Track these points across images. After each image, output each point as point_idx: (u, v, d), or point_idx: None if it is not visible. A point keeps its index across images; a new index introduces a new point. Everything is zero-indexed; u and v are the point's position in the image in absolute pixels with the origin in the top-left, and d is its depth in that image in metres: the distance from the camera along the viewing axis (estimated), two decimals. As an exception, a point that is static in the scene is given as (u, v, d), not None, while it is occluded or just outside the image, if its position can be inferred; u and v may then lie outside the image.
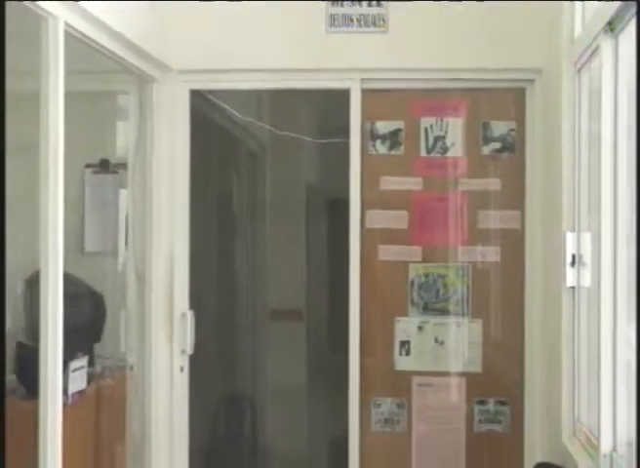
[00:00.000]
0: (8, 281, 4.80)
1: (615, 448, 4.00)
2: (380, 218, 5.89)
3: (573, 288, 4.77)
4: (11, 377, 4.78)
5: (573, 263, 4.71)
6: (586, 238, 4.51)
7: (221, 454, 7.91)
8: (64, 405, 4.47)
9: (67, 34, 4.35)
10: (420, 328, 5.86)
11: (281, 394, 8.59)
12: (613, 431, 4.03)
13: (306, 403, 8.50)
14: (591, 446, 4.26)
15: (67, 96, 4.37)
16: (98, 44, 4.79)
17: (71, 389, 4.67)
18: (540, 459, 5.09)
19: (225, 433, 8.24)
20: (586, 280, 4.53)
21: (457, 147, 5.88)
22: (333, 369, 6.04)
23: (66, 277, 4.55)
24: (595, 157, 4.29)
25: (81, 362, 4.83)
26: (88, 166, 5.83)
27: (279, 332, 8.79)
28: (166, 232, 5.92)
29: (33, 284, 4.41)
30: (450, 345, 5.87)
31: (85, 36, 4.62)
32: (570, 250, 4.72)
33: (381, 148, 5.91)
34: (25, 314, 4.63)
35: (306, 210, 9.06)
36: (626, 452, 3.93)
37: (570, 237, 4.76)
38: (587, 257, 4.49)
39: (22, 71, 4.40)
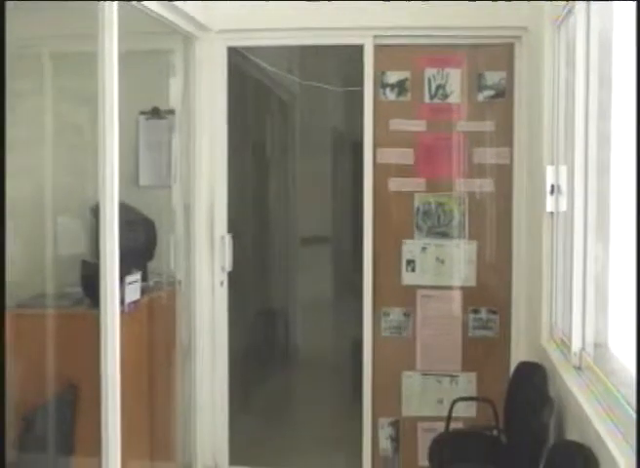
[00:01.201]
0: (77, 211, 4.92)
1: (584, 348, 4.07)
2: (390, 155, 5.90)
3: (552, 213, 4.82)
4: (77, 290, 4.87)
5: (552, 192, 4.75)
6: (563, 170, 4.53)
7: (257, 357, 8.00)
8: (121, 312, 4.51)
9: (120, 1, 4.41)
10: (423, 248, 5.89)
11: (309, 307, 8.65)
12: (582, 334, 4.10)
13: (330, 314, 8.55)
14: (564, 346, 4.33)
15: (125, 55, 4.43)
16: (147, 8, 4.84)
17: (127, 299, 4.68)
18: (523, 358, 5.13)
19: (261, 339, 8.33)
20: (563, 206, 4.56)
21: (455, 94, 5.87)
22: (353, 285, 6.08)
23: (124, 206, 4.61)
24: (571, 101, 4.33)
25: (135, 277, 4.85)
26: (142, 113, 5.86)
27: (308, 256, 8.84)
28: (207, 169, 5.99)
29: (97, 212, 4.47)
30: (449, 263, 5.90)
31: (137, 2, 4.68)
32: (549, 180, 4.76)
33: (391, 95, 5.91)
34: (91, 237, 4.68)
35: (331, 150, 9.08)
36: (593, 351, 4.02)
37: (549, 170, 4.80)
38: (564, 187, 4.52)
39: (83, 35, 4.47)
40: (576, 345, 4.11)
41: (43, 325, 4.81)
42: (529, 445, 3.87)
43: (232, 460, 6.11)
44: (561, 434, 3.99)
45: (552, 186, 4.74)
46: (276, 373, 8.37)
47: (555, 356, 4.38)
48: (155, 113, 5.89)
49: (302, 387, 8.31)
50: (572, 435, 3.74)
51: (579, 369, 4.00)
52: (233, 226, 6.14)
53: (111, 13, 4.32)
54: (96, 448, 4.42)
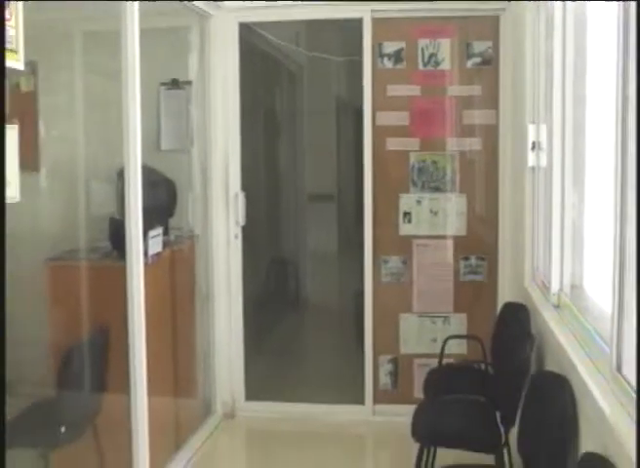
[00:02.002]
0: (106, 175, 4.94)
1: (561, 289, 4.11)
2: (387, 118, 5.91)
3: (533, 167, 4.83)
4: (106, 244, 4.91)
5: (533, 148, 4.77)
6: (543, 129, 4.53)
7: (269, 303, 8.05)
8: (145, 264, 4.55)
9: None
10: (418, 201, 5.92)
11: (316, 257, 8.70)
12: (560, 276, 4.13)
13: (336, 263, 8.60)
14: (545, 288, 4.35)
15: (147, 32, 4.45)
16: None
17: (150, 252, 4.72)
18: (508, 300, 5.16)
19: (272, 287, 8.38)
20: (543, 161, 4.57)
21: (446, 62, 5.87)
22: (356, 237, 6.10)
23: (147, 169, 4.63)
24: (550, 68, 4.34)
25: (157, 231, 4.87)
26: (162, 84, 5.88)
27: (315, 212, 8.87)
28: (222, 134, 6.03)
29: (122, 175, 4.50)
30: (442, 215, 5.92)
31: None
32: (531, 138, 4.76)
33: (388, 64, 5.91)
34: (118, 198, 4.71)
35: (335, 114, 9.09)
36: (569, 291, 4.06)
37: (531, 128, 4.80)
38: (544, 144, 4.53)
39: (109, 15, 4.48)
40: (554, 287, 4.14)
41: (77, 275, 4.86)
42: (513, 376, 3.91)
43: (248, 396, 6.18)
44: (541, 365, 4.04)
45: (533, 143, 4.76)
46: (287, 317, 8.43)
47: (536, 297, 4.41)
48: (174, 84, 5.91)
49: (311, 329, 8.37)
50: (550, 366, 3.79)
51: (557, 307, 4.03)
52: (246, 185, 6.16)
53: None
54: (125, 385, 4.49)
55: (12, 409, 4.32)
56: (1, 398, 2.57)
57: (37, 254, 4.88)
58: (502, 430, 4.01)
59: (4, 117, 2.79)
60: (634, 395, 2.47)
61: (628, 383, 2.57)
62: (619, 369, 2.69)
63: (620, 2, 2.66)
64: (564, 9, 4.09)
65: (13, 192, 3.16)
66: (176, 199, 5.50)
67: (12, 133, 3.13)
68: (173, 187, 5.47)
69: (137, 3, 4.34)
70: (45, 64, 5.40)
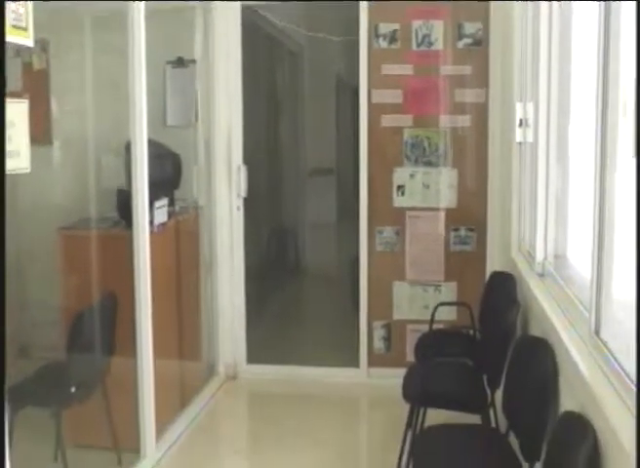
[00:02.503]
0: (115, 149, 4.94)
1: (546, 258, 4.13)
2: (382, 95, 5.89)
3: (520, 143, 4.84)
4: (115, 214, 4.91)
5: (520, 125, 4.77)
6: (530, 106, 4.53)
7: (270, 271, 8.07)
8: (151, 233, 4.58)
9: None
10: (411, 175, 5.91)
11: (315, 228, 8.71)
12: (544, 246, 4.17)
13: (334, 234, 8.62)
14: (530, 257, 4.37)
15: (154, 13, 4.45)
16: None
17: (156, 221, 4.73)
18: (496, 269, 5.18)
19: (273, 256, 8.40)
20: (529, 137, 4.57)
21: (439, 42, 5.84)
22: (353, 209, 6.10)
23: (153, 143, 4.66)
24: (537, 49, 4.34)
25: (163, 202, 4.88)
26: (168, 62, 5.87)
27: (314, 185, 8.87)
28: (225, 110, 6.04)
29: (129, 148, 4.50)
30: (433, 188, 5.91)
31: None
32: (518, 115, 4.76)
33: (383, 44, 5.88)
34: (125, 170, 4.70)
35: (334, 92, 9.08)
36: (553, 261, 4.08)
37: (518, 106, 4.79)
38: (530, 121, 4.54)
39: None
40: (539, 256, 4.17)
41: (87, 243, 4.87)
42: (499, 340, 3.92)
43: (249, 359, 6.22)
44: (525, 330, 4.06)
45: (520, 120, 4.75)
46: (286, 284, 8.45)
47: (522, 266, 4.43)
48: (180, 62, 5.89)
49: (309, 296, 8.40)
50: (534, 331, 3.81)
51: (541, 276, 4.06)
52: (248, 158, 6.17)
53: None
54: (132, 348, 4.52)
55: (26, 371, 4.39)
56: (1, 396, 2.57)
57: (50, 223, 4.90)
58: (488, 391, 4.03)
59: (4, 116, 2.75)
60: (612, 358, 2.49)
61: (605, 345, 2.59)
62: (597, 332, 2.72)
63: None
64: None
65: (24, 163, 3.19)
66: (181, 172, 5.49)
67: (22, 107, 3.15)
68: (178, 160, 5.46)
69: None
70: (56, 44, 5.41)
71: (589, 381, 2.47)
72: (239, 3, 5.98)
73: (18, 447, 3.53)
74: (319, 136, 8.91)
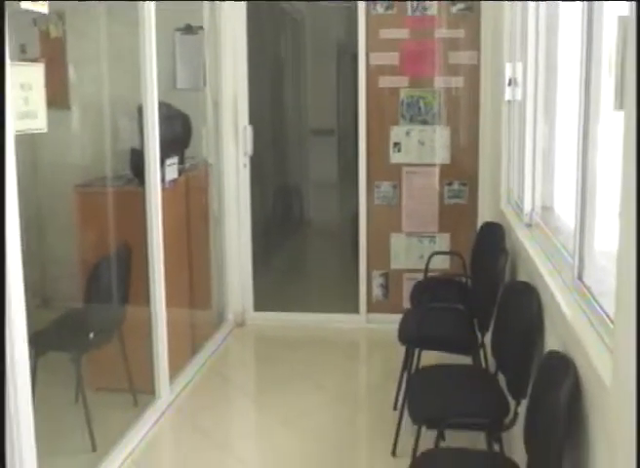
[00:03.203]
0: (129, 112, 4.91)
1: (533, 209, 4.11)
2: (379, 58, 5.84)
3: (509, 101, 4.81)
4: (128, 172, 4.89)
5: (509, 84, 4.74)
6: (519, 66, 4.49)
7: (275, 225, 8.06)
8: (163, 189, 4.57)
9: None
10: (407, 133, 5.87)
11: (318, 185, 8.67)
12: (532, 198, 4.14)
13: (335, 191, 8.57)
14: (518, 209, 4.35)
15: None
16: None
17: (167, 178, 4.71)
18: (486, 220, 5.16)
19: (278, 212, 8.38)
20: (518, 95, 4.54)
21: (433, 8, 5.77)
22: (354, 167, 6.08)
23: (164, 105, 4.65)
24: (525, 12, 4.29)
25: (173, 160, 4.85)
26: (177, 29, 5.83)
27: (317, 144, 8.82)
28: (231, 74, 5.99)
29: (141, 110, 4.48)
30: (428, 145, 5.87)
31: None
32: (507, 75, 4.75)
33: (380, 9, 5.82)
34: (139, 131, 4.67)
35: (335, 56, 8.97)
36: (540, 212, 4.06)
37: (508, 66, 4.77)
38: (519, 80, 4.50)
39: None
40: (527, 207, 4.15)
41: (102, 200, 4.85)
42: (489, 286, 3.92)
43: (256, 307, 6.24)
44: (513, 276, 4.05)
45: (510, 79, 4.73)
46: (291, 238, 8.44)
47: (511, 217, 4.41)
48: (188, 30, 5.85)
49: (312, 248, 8.39)
50: (521, 277, 3.80)
51: (529, 226, 4.03)
52: (254, 119, 6.14)
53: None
54: (146, 297, 4.53)
55: (48, 320, 4.40)
56: (1, 394, 2.56)
57: (68, 182, 4.87)
58: (479, 334, 4.04)
59: (4, 115, 2.73)
60: (593, 300, 2.48)
61: (588, 289, 2.58)
62: (580, 277, 2.71)
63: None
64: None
65: (41, 124, 3.17)
66: (190, 132, 5.46)
67: (38, 70, 3.17)
68: (188, 121, 5.43)
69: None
70: (71, 14, 5.36)
71: (572, 322, 2.47)
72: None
73: (40, 390, 3.55)
74: (321, 98, 8.83)
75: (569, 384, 2.25)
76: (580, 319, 2.47)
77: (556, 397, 2.22)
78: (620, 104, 2.01)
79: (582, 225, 2.74)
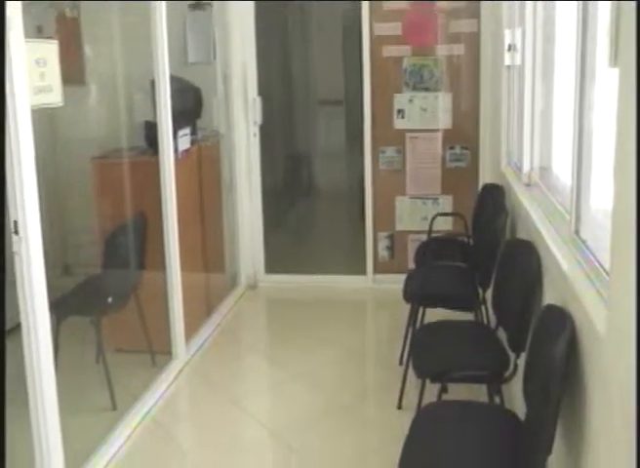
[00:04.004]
0: (144, 87, 4.86)
1: (532, 170, 4.05)
2: (383, 28, 5.76)
3: (509, 66, 4.73)
4: (142, 144, 4.84)
5: (509, 50, 4.66)
6: (518, 32, 4.42)
7: (285, 192, 8.04)
8: (176, 159, 4.54)
9: None
10: (410, 100, 5.80)
11: (326, 153, 8.64)
12: (530, 158, 4.09)
13: (343, 158, 8.52)
14: (518, 169, 4.29)
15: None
16: None
17: (180, 148, 4.67)
18: (487, 181, 5.11)
19: (287, 179, 8.34)
20: (517, 60, 4.47)
21: (433, -20, 5.71)
22: (360, 136, 6.03)
23: (176, 78, 4.61)
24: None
25: (185, 131, 4.81)
26: (188, 6, 5.77)
27: (325, 115, 8.75)
28: (240, 48, 5.94)
29: (154, 84, 4.42)
30: (431, 111, 5.80)
31: None
32: (507, 41, 4.67)
33: (383, -19, 5.76)
34: (152, 104, 4.62)
35: (341, 29, 8.86)
36: (539, 172, 3.99)
37: (507, 32, 4.69)
38: (518, 45, 4.42)
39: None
40: (525, 168, 4.11)
41: (118, 170, 4.82)
42: (489, 244, 3.86)
43: (267, 270, 6.23)
44: (513, 234, 3.99)
45: (509, 45, 4.65)
46: (300, 203, 8.43)
47: (511, 177, 4.35)
48: (198, 5, 5.79)
49: (321, 213, 8.36)
50: (520, 234, 3.73)
51: (527, 185, 3.98)
52: (263, 91, 6.09)
53: None
54: (161, 263, 4.51)
55: (69, 287, 4.40)
56: (1, 391, 2.53)
57: (85, 154, 4.82)
58: (480, 291, 3.98)
59: (4, 115, 2.70)
60: (590, 254, 2.43)
61: (584, 243, 2.53)
62: (577, 232, 2.66)
63: None
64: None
65: (57, 98, 3.20)
66: (202, 103, 5.42)
67: (52, 47, 3.18)
68: (199, 93, 5.38)
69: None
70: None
71: (569, 276, 2.41)
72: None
73: (63, 352, 3.55)
74: (328, 69, 8.74)
75: (566, 336, 2.20)
76: (577, 272, 2.41)
77: (553, 349, 2.17)
78: (614, 61, 1.95)
79: (579, 182, 2.70)
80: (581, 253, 2.51)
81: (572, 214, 2.71)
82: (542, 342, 2.38)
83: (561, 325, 2.27)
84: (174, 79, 4.51)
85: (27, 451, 3.09)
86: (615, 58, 1.94)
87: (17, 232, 2.84)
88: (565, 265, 2.53)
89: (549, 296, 2.80)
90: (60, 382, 3.09)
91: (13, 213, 2.83)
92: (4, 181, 2.76)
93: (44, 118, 5.25)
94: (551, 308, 2.50)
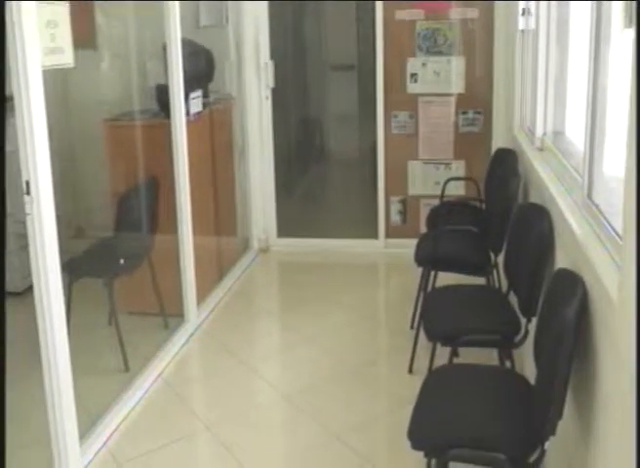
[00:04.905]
0: (152, 50, 4.82)
1: (545, 134, 4.01)
2: (395, -7, 5.71)
3: (523, 30, 4.65)
4: (154, 107, 4.81)
5: (523, 14, 4.58)
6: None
7: (297, 156, 7.99)
8: (188, 121, 4.52)
9: None
10: (423, 64, 5.73)
11: (338, 117, 8.57)
12: (544, 123, 4.05)
13: (355, 123, 8.45)
14: (530, 134, 4.25)
15: None
16: None
17: (192, 111, 4.64)
18: (500, 146, 5.06)
19: (300, 143, 8.28)
20: (531, 24, 4.40)
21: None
22: (373, 102, 5.97)
23: (187, 42, 4.57)
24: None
25: (197, 93, 4.77)
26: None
27: (337, 79, 8.67)
28: (253, 11, 5.88)
29: (165, 48, 4.38)
30: (444, 75, 5.74)
31: None
32: (521, 4, 4.58)
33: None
34: (164, 67, 4.58)
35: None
36: (552, 137, 3.94)
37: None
38: (533, 9, 4.36)
39: None
40: (539, 132, 4.06)
41: (130, 133, 4.79)
42: (501, 208, 3.83)
43: (279, 233, 6.21)
44: (525, 199, 3.95)
45: (523, 9, 4.57)
46: (312, 168, 8.37)
47: (524, 142, 4.30)
48: (210, -33, 5.72)
49: (333, 177, 8.30)
50: (533, 198, 3.69)
51: (540, 150, 3.93)
52: (275, 55, 6.04)
53: None
54: (173, 226, 4.51)
55: (81, 249, 4.39)
56: (1, 389, 2.52)
57: (97, 116, 4.81)
58: (492, 255, 3.96)
59: (4, 114, 2.69)
60: (602, 218, 2.39)
61: (597, 207, 2.50)
62: (589, 196, 2.62)
63: None
64: None
65: (68, 59, 3.19)
66: (213, 66, 5.36)
67: (63, 9, 3.16)
68: (211, 56, 5.33)
69: None
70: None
71: (581, 240, 2.38)
72: None
73: (76, 314, 3.56)
74: (341, 34, 8.65)
75: (577, 300, 2.17)
76: (590, 237, 2.38)
77: (565, 312, 2.14)
78: (629, 21, 1.91)
79: (592, 146, 2.66)
80: (594, 216, 2.47)
81: (584, 178, 2.67)
82: (554, 306, 2.36)
83: (573, 289, 2.24)
84: (185, 42, 4.47)
85: (41, 412, 3.11)
86: (630, 18, 1.90)
87: (28, 192, 2.84)
88: (577, 229, 2.50)
89: (561, 260, 2.78)
90: (72, 344, 3.10)
91: (25, 173, 2.84)
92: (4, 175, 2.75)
93: (57, 81, 5.23)
94: (563, 272, 2.47)
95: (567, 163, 3.25)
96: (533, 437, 2.15)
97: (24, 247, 2.98)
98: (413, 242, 4.48)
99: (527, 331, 2.90)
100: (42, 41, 2.89)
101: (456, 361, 3.01)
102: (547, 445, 2.11)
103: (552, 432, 2.10)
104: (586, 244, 2.32)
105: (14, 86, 2.77)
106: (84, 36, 5.05)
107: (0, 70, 2.64)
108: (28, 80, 2.76)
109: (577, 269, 2.36)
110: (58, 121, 5.23)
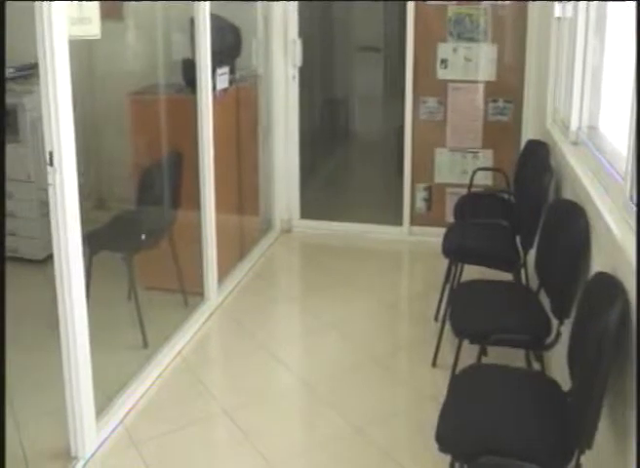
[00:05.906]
0: (180, 24, 4.73)
1: (580, 128, 3.88)
2: (429, -25, 5.58)
3: (559, 18, 4.52)
4: (180, 81, 4.71)
5: (560, 0, 4.45)
6: (571, -18, 4.22)
7: (322, 137, 7.91)
8: (214, 97, 4.46)
9: None
10: (454, 50, 5.60)
11: (365, 100, 8.49)
12: (579, 116, 3.90)
13: (381, 105, 8.38)
14: (564, 127, 4.12)
15: None
16: None
17: (218, 87, 4.58)
18: (530, 137, 4.94)
19: (325, 124, 8.21)
20: (569, 11, 4.26)
21: None
22: (399, 83, 5.87)
23: (215, 17, 4.49)
24: None
25: (224, 70, 4.71)
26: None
27: (364, 61, 8.57)
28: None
29: (193, 22, 4.32)
30: (474, 62, 5.60)
31: None
32: (558, -7, 4.47)
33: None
34: (191, 41, 4.49)
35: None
36: (587, 131, 3.82)
37: (560, -16, 4.49)
38: (571, -3, 4.23)
39: None
40: (574, 125, 3.91)
41: (154, 107, 4.73)
42: (533, 203, 3.72)
43: (302, 215, 6.13)
44: (558, 195, 3.84)
45: (561, -4, 4.44)
46: (337, 150, 8.32)
47: (557, 135, 4.17)
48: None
49: (358, 161, 8.26)
50: (566, 195, 3.58)
51: (575, 144, 3.81)
52: (303, 34, 5.92)
53: None
54: (196, 203, 4.45)
55: (102, 221, 4.34)
56: (1, 387, 2.45)
57: (122, 89, 4.73)
58: (521, 251, 3.85)
59: (4, 114, 2.62)
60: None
61: (640, 211, 2.38)
62: (632, 198, 2.49)
63: None
64: None
65: (95, 30, 3.17)
66: (240, 42, 5.28)
67: None
68: (238, 32, 5.25)
69: None
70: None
71: (622, 244, 2.27)
72: None
73: (96, 287, 3.51)
74: (368, 15, 8.52)
75: (618, 309, 2.07)
76: (631, 241, 2.27)
77: (604, 322, 2.04)
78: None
79: (638, 144, 2.52)
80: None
81: (627, 180, 2.55)
82: (592, 312, 2.26)
83: (612, 295, 2.15)
84: (213, 17, 4.40)
85: (58, 386, 3.07)
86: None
87: (51, 163, 2.82)
88: (618, 232, 2.39)
89: (599, 263, 2.67)
90: (91, 318, 3.06)
91: (48, 143, 2.82)
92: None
93: (82, 51, 5.15)
94: (601, 276, 2.37)
95: (605, 160, 3.13)
96: (567, 448, 2.06)
97: (46, 214, 2.95)
98: (437, 230, 4.39)
99: (559, 334, 2.80)
100: (69, 11, 2.86)
101: (483, 360, 2.91)
102: (583, 458, 2.02)
103: (589, 446, 2.01)
104: (627, 248, 2.21)
105: (39, 55, 2.73)
106: (110, 6, 4.96)
107: (0, 72, 2.56)
108: (54, 50, 2.72)
109: (616, 274, 2.27)
110: (82, 91, 5.17)
